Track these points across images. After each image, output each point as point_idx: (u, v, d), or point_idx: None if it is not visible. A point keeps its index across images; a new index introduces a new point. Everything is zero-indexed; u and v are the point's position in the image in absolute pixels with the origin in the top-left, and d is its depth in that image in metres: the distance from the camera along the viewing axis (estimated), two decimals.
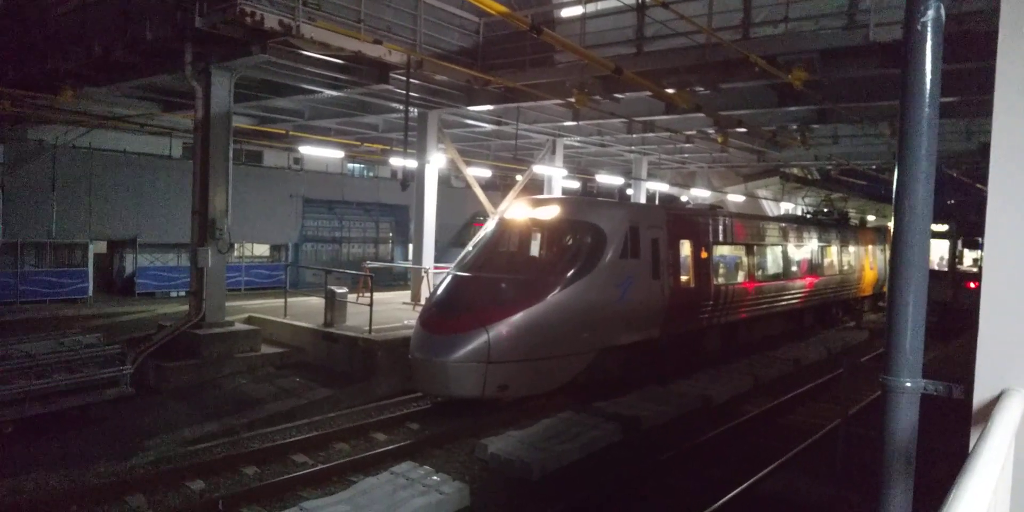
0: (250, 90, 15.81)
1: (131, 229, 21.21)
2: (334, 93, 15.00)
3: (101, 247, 21.59)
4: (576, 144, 23.22)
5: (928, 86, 2.30)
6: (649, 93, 13.21)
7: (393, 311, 15.92)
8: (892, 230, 2.43)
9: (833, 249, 21.14)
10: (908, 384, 2.24)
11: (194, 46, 11.90)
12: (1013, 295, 2.38)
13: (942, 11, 2.31)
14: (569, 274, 10.81)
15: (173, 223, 20.58)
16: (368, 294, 13.83)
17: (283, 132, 21.53)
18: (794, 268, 18.21)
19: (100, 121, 19.00)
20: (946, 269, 20.09)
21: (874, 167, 28.82)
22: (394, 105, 16.21)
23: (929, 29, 2.30)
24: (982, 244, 2.48)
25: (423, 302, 14.00)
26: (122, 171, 20.88)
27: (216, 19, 10.47)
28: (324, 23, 11.18)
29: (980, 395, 2.36)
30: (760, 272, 16.41)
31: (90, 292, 19.99)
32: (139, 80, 14.50)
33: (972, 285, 18.61)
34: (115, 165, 20.83)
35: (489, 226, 12.63)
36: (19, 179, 18.89)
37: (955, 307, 18.62)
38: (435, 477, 7.70)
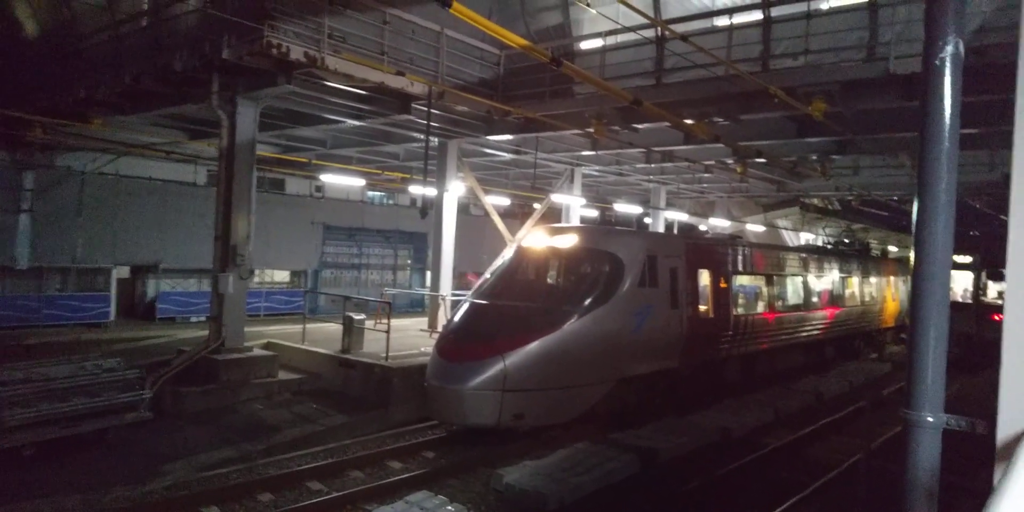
0: (274, 119, 16.08)
1: (154, 254, 21.48)
2: (356, 123, 15.23)
3: (124, 272, 21.85)
4: (594, 173, 23.31)
5: (947, 121, 2.30)
6: (668, 124, 13.28)
7: (410, 338, 15.93)
8: (912, 262, 2.40)
9: (854, 280, 20.88)
10: (930, 419, 2.20)
11: (221, 76, 12.17)
12: None
13: (960, 47, 2.32)
14: (587, 303, 10.77)
15: (195, 249, 20.81)
16: (386, 321, 13.86)
17: (306, 160, 21.85)
18: (815, 299, 17.98)
19: (127, 149, 19.39)
20: (970, 301, 19.81)
21: (895, 198, 28.60)
22: (415, 135, 16.41)
23: (948, 65, 2.32)
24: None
25: (440, 329, 13.99)
26: (147, 198, 21.22)
27: (243, 51, 10.73)
28: (348, 55, 11.42)
29: (1004, 431, 2.30)
30: (780, 303, 16.23)
31: (112, 316, 20.19)
32: (166, 109, 14.81)
33: (996, 318, 18.31)
34: (140, 192, 21.18)
35: (507, 254, 12.64)
36: (47, 205, 19.27)
37: (979, 340, 18.32)
38: (450, 507, 7.62)
